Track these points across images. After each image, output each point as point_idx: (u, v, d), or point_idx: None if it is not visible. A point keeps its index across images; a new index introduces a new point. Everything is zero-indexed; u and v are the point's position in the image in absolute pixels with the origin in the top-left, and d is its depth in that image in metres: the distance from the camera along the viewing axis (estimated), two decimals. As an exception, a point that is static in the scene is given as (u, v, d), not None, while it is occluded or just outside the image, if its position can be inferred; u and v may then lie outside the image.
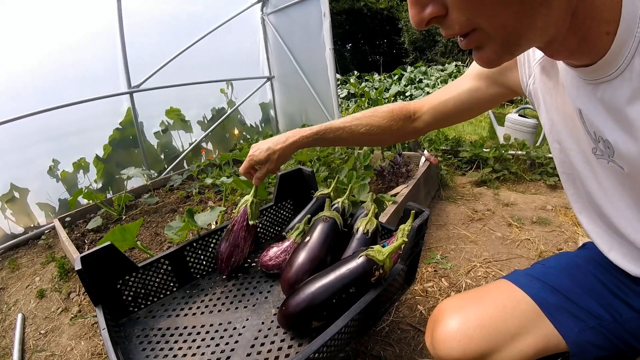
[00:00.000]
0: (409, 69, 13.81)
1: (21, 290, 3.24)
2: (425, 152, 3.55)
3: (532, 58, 1.00)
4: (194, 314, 1.40)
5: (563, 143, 0.99)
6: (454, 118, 1.33)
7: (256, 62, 6.04)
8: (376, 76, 15.23)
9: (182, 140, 5.13)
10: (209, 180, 3.11)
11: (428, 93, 10.82)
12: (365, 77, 15.16)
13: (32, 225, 4.24)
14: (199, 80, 5.15)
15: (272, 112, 6.28)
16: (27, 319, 2.80)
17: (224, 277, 1.58)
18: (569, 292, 1.02)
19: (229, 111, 5.63)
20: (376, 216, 1.49)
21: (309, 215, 1.58)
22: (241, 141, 5.81)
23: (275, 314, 1.35)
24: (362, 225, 1.42)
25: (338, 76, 13.38)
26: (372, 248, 1.19)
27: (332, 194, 1.70)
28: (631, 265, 0.96)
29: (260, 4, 5.74)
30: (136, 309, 1.43)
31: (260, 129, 6.13)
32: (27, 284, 3.31)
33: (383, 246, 1.21)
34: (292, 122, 6.18)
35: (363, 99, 9.28)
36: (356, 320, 1.15)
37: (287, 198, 1.83)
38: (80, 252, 2.72)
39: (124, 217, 3.53)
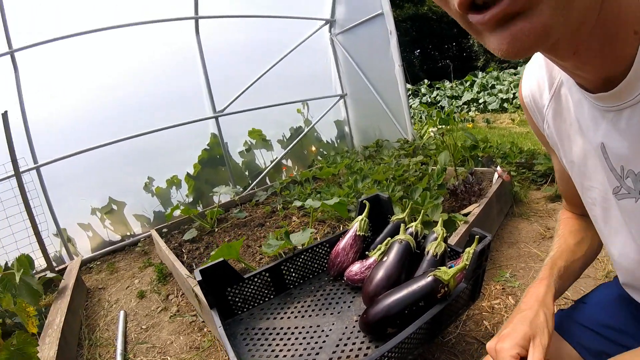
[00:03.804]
0: (480, 74, 13.42)
1: (121, 290, 3.63)
2: (498, 168, 3.49)
3: (540, 104, 0.97)
4: (288, 317, 1.66)
5: (585, 185, 0.95)
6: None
7: (329, 81, 6.30)
8: (447, 83, 14.80)
9: (264, 158, 5.49)
10: (297, 203, 3.26)
11: (502, 100, 10.59)
12: (437, 85, 14.90)
13: (128, 234, 4.78)
14: (277, 103, 5.50)
15: (346, 129, 6.48)
16: (129, 315, 3.14)
17: (331, 277, 1.84)
18: (607, 330, 1.09)
19: (305, 130, 5.90)
20: (445, 240, 1.69)
21: (389, 238, 1.80)
22: (318, 157, 6.06)
23: (356, 320, 1.58)
24: (432, 249, 1.64)
25: (409, 86, 13.38)
26: (439, 269, 1.42)
27: (406, 218, 1.90)
28: None
29: (327, 26, 6.05)
30: (239, 312, 1.70)
31: (336, 145, 6.35)
32: (126, 285, 3.71)
33: (450, 267, 1.43)
34: (366, 137, 6.29)
35: (433, 119, 9.15)
36: (423, 329, 1.36)
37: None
38: (181, 260, 3.10)
39: (216, 229, 3.86)
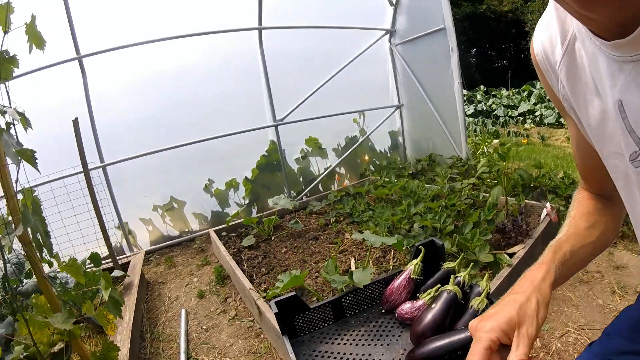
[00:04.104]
0: (538, 85, 12.89)
1: (180, 287, 3.86)
2: (548, 205, 3.39)
3: (552, 61, 0.89)
4: (344, 343, 1.80)
5: (605, 153, 0.87)
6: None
7: (386, 91, 6.34)
8: (504, 91, 14.57)
9: (318, 165, 5.67)
10: (357, 236, 2.99)
11: (559, 114, 10.04)
12: (493, 92, 14.68)
13: (186, 230, 5.08)
14: (335, 113, 5.61)
15: (400, 139, 6.51)
16: (189, 314, 3.35)
17: (383, 310, 1.97)
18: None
19: (360, 139, 5.99)
20: (488, 296, 1.81)
21: (438, 285, 1.94)
22: (370, 167, 6.16)
23: (402, 354, 1.70)
24: (475, 304, 1.75)
25: (464, 92, 13.20)
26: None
27: (456, 267, 2.03)
28: None
29: (387, 36, 6.10)
30: (302, 334, 1.88)
31: (389, 155, 6.42)
32: (185, 282, 3.94)
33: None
34: (419, 149, 6.30)
35: (488, 133, 8.87)
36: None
37: (421, 263, 2.20)
38: (241, 268, 3.31)
39: (272, 237, 4.04)
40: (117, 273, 3.44)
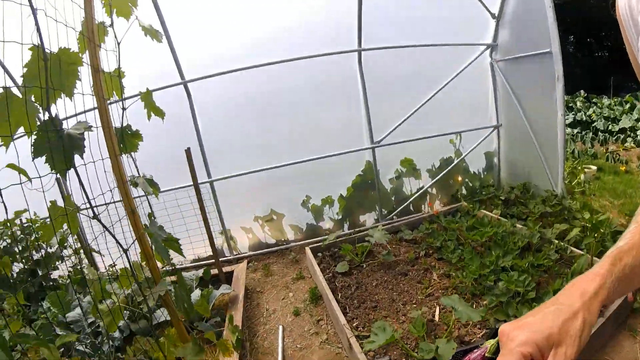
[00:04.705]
0: None
1: (277, 300, 4.19)
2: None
3: (636, 11, 0.85)
4: None
5: None
6: None
7: (484, 109, 6.08)
8: (605, 100, 13.70)
9: (411, 186, 5.76)
10: (445, 302, 3.01)
11: None
12: (593, 100, 13.82)
13: (282, 240, 5.50)
14: (432, 135, 5.62)
15: (495, 160, 6.26)
16: (285, 330, 3.65)
17: None
18: None
19: (455, 161, 5.93)
20: None
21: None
22: (463, 188, 6.11)
23: None
24: None
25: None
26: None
27: None
28: None
29: (489, 50, 5.78)
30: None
31: (482, 176, 6.27)
32: (281, 295, 4.27)
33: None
34: (514, 173, 6.01)
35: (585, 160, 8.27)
36: None
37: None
38: (334, 296, 3.57)
39: (364, 265, 4.26)
40: (224, 290, 3.78)
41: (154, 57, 4.18)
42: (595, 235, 3.55)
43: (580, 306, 0.78)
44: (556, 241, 3.83)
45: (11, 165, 1.49)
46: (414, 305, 3.45)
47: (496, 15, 5.41)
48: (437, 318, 3.22)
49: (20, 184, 1.45)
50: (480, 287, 3.41)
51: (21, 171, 1.49)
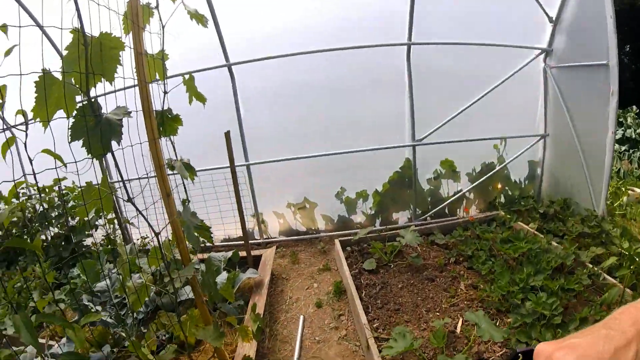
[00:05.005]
0: None
1: (301, 289, 4.22)
2: None
3: None
4: None
5: None
6: None
7: (531, 116, 5.82)
8: None
9: (449, 188, 5.62)
10: (470, 317, 2.98)
11: None
12: None
13: (313, 229, 5.53)
14: (475, 138, 5.45)
15: (538, 170, 5.98)
16: (306, 321, 3.67)
17: None
18: None
19: (497, 167, 5.74)
20: None
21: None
22: (502, 196, 5.91)
23: None
24: None
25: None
26: None
27: None
28: None
29: (543, 55, 5.48)
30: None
31: (523, 186, 6.05)
32: (306, 285, 4.30)
33: None
34: (556, 186, 5.74)
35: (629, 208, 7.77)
36: None
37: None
38: (359, 293, 3.56)
39: (392, 265, 4.22)
40: (250, 274, 3.81)
41: (198, 38, 4.15)
42: (632, 266, 3.40)
43: (634, 335, 0.70)
44: (590, 265, 3.67)
45: (46, 151, 1.51)
46: (437, 314, 3.39)
47: (554, 19, 5.14)
48: (459, 330, 3.16)
49: (55, 168, 1.47)
50: (507, 304, 3.32)
51: (56, 156, 1.51)
